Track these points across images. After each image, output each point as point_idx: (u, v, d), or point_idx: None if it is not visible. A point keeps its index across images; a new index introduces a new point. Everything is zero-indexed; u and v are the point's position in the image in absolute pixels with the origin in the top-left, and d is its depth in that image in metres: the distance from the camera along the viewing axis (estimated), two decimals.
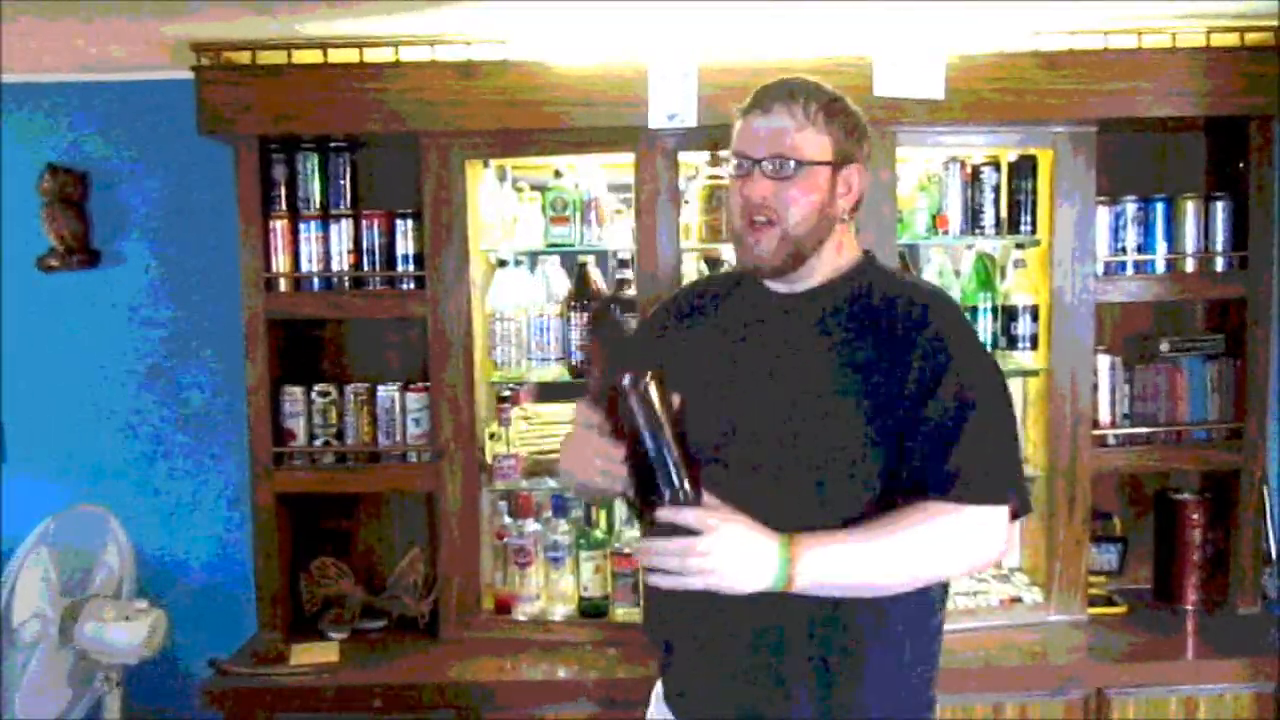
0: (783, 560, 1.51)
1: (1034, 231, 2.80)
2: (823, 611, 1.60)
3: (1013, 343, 2.81)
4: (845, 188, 1.71)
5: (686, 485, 1.47)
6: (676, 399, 1.52)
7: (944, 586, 1.73)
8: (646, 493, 1.49)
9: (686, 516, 1.48)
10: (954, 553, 1.61)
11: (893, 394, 1.59)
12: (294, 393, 2.81)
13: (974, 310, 2.81)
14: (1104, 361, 2.84)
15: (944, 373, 1.59)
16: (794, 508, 1.59)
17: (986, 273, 2.84)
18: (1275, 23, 2.62)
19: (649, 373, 1.45)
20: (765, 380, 1.67)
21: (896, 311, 1.65)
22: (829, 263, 1.71)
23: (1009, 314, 2.81)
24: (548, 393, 3.02)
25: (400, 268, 2.80)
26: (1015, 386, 3.00)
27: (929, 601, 1.69)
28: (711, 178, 2.75)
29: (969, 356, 1.64)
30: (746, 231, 1.68)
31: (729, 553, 1.49)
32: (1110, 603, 2.88)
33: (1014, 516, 1.65)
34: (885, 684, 1.65)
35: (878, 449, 1.59)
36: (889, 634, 1.64)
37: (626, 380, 1.44)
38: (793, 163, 1.64)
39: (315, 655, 2.69)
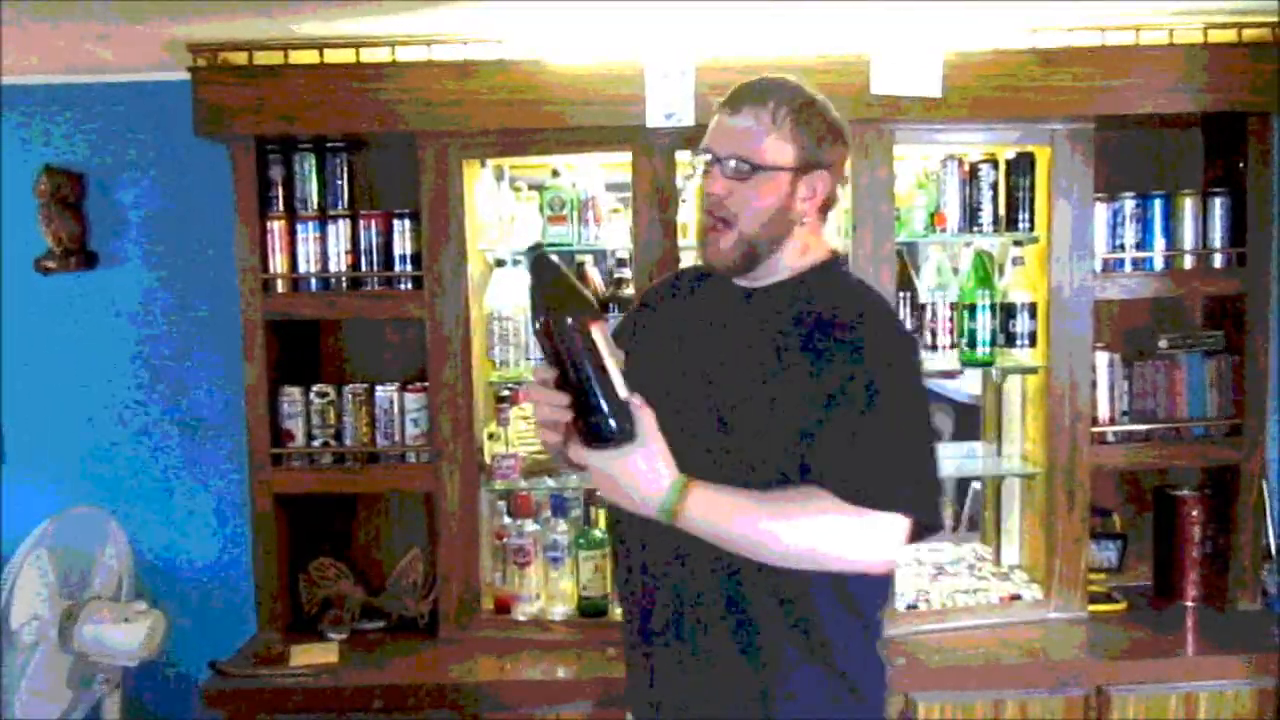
0: (674, 491, 1.53)
1: (1032, 229, 2.80)
2: (744, 607, 1.65)
3: (1011, 340, 2.81)
4: (809, 192, 1.72)
5: (611, 414, 1.49)
6: (621, 355, 1.58)
7: (876, 589, 1.72)
8: (580, 421, 1.52)
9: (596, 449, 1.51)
10: (843, 547, 1.60)
11: (814, 396, 1.62)
12: (292, 393, 2.81)
13: (972, 308, 2.81)
14: (1102, 358, 2.85)
15: (857, 382, 1.61)
16: (729, 480, 1.62)
17: (985, 270, 2.84)
18: (1273, 19, 2.62)
19: (574, 309, 1.49)
20: (714, 369, 1.71)
21: (833, 318, 1.67)
22: (790, 263, 1.74)
23: (1007, 311, 2.81)
24: None
25: (398, 268, 2.80)
26: (1014, 384, 3.01)
27: (859, 606, 1.69)
28: None
29: (887, 369, 1.64)
30: (707, 229, 1.73)
31: (625, 470, 1.52)
32: (1110, 600, 2.88)
33: (918, 534, 1.64)
34: (811, 685, 1.67)
35: (802, 445, 1.61)
36: (815, 635, 1.66)
37: (546, 317, 1.49)
38: (749, 166, 1.68)
39: (314, 656, 2.69)
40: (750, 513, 1.57)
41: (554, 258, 1.56)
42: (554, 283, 1.51)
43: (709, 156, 1.72)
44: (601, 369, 1.49)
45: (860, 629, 1.72)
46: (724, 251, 1.72)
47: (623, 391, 1.51)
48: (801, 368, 1.64)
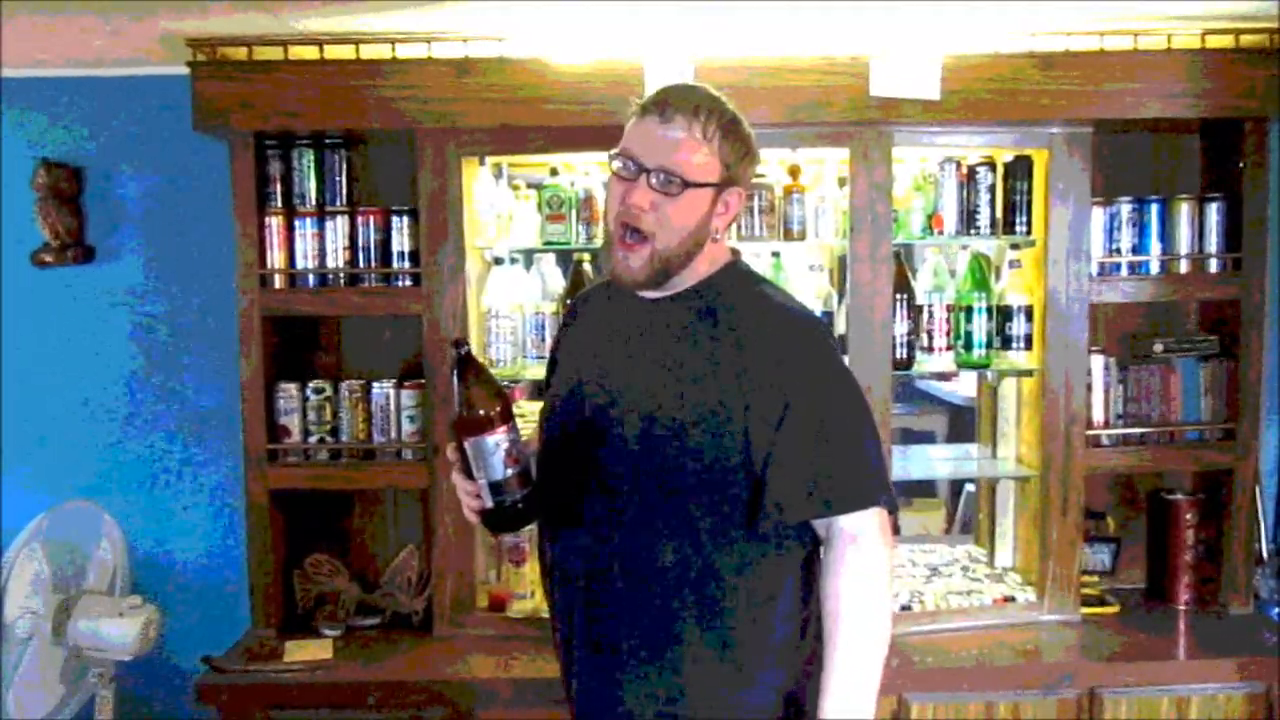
0: None
1: (1029, 232, 2.80)
2: (658, 617, 1.67)
3: (1007, 343, 2.82)
4: (724, 208, 1.71)
5: (520, 496, 1.69)
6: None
7: (792, 601, 1.71)
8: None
9: None
10: (880, 572, 1.66)
11: (742, 401, 1.64)
12: (289, 389, 2.81)
13: (969, 310, 2.82)
14: (1098, 362, 2.85)
15: (796, 397, 1.63)
16: (655, 496, 1.66)
17: (981, 273, 2.85)
18: (1270, 25, 2.63)
19: (481, 414, 1.65)
20: (628, 380, 1.71)
21: (747, 323, 1.68)
22: (694, 273, 1.72)
23: (1004, 314, 2.82)
24: (542, 390, 3.02)
25: (396, 265, 2.80)
26: (1009, 387, 3.02)
27: (771, 618, 1.69)
28: None
29: (816, 371, 1.67)
30: (619, 243, 1.68)
31: None
32: (1103, 602, 2.89)
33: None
34: (717, 689, 1.68)
35: (735, 442, 1.64)
36: (723, 644, 1.67)
37: (457, 416, 1.67)
38: (679, 181, 1.63)
39: (309, 652, 2.69)
40: (858, 645, 1.63)
41: (476, 358, 1.72)
42: (471, 384, 1.66)
43: (627, 163, 1.66)
44: (496, 467, 1.66)
45: (765, 641, 1.70)
46: (635, 270, 1.68)
47: (512, 494, 1.68)
48: (723, 375, 1.65)
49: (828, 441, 1.64)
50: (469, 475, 1.69)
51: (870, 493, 1.66)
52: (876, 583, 1.65)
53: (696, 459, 1.64)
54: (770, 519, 1.65)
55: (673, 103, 1.66)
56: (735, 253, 1.81)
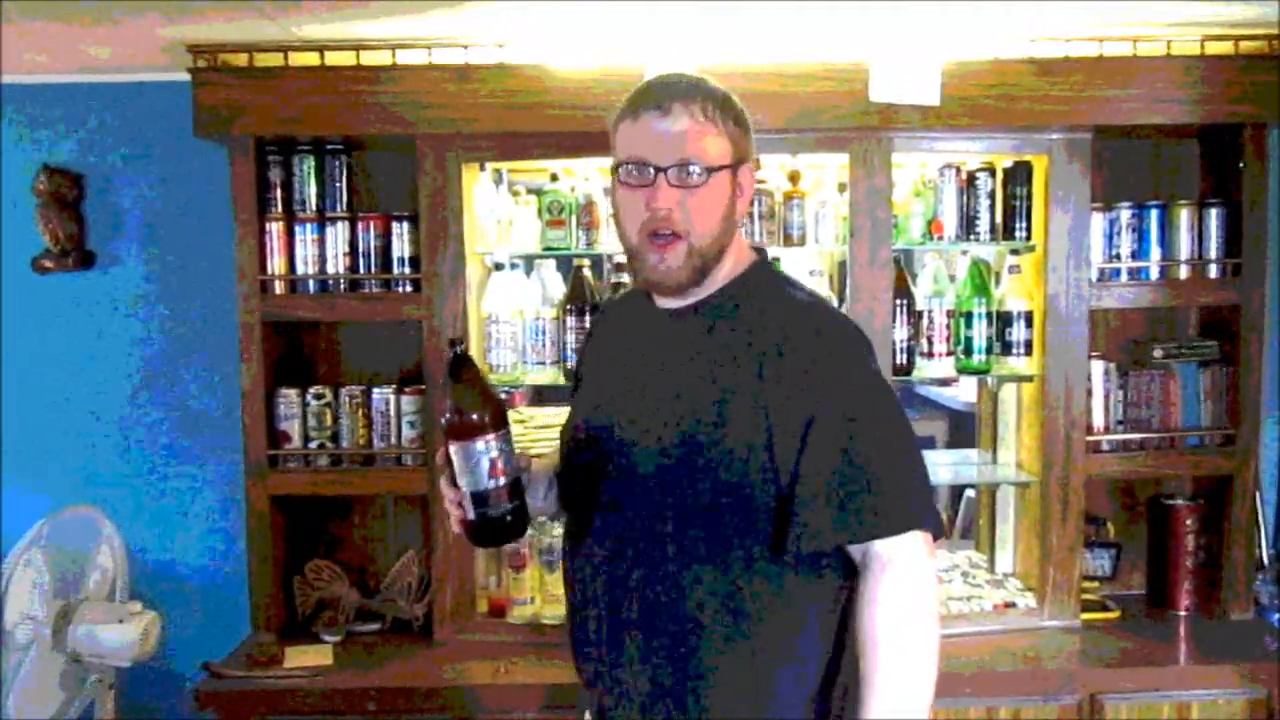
0: None
1: (1029, 237, 2.81)
2: (681, 647, 1.57)
3: (1007, 348, 2.82)
4: (740, 189, 1.62)
5: (506, 511, 1.60)
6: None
7: (825, 632, 1.60)
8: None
9: None
10: (930, 596, 1.54)
11: (764, 415, 1.53)
12: (289, 395, 2.81)
13: (969, 316, 2.82)
14: (1098, 367, 2.85)
15: (834, 414, 1.52)
16: (677, 520, 1.56)
17: (981, 278, 2.85)
18: (1269, 31, 2.64)
19: (474, 420, 1.57)
20: (647, 397, 1.62)
21: (771, 331, 1.57)
22: (718, 275, 1.63)
23: (1003, 319, 2.82)
24: (543, 396, 3.03)
25: (396, 270, 2.81)
26: (1010, 392, 3.02)
27: (802, 650, 1.59)
28: None
29: (844, 380, 1.55)
30: (648, 248, 1.57)
31: None
32: (1103, 608, 2.89)
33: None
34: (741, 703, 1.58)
35: (759, 462, 1.53)
36: (750, 677, 1.57)
37: (447, 420, 1.58)
38: (701, 169, 1.55)
39: (309, 658, 2.69)
40: (897, 687, 1.49)
41: (473, 359, 1.63)
42: (463, 387, 1.58)
43: (635, 168, 1.56)
44: (481, 477, 1.57)
45: (793, 662, 1.60)
46: (674, 270, 1.57)
47: (497, 507, 1.59)
48: (756, 386, 1.54)
49: (859, 457, 1.51)
50: (455, 483, 1.61)
51: (909, 514, 1.52)
52: (919, 616, 1.51)
53: (718, 480, 1.54)
54: (799, 544, 1.52)
55: (667, 93, 1.58)
56: (760, 251, 1.71)
